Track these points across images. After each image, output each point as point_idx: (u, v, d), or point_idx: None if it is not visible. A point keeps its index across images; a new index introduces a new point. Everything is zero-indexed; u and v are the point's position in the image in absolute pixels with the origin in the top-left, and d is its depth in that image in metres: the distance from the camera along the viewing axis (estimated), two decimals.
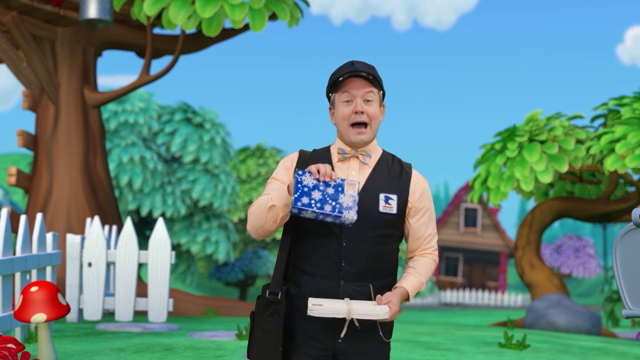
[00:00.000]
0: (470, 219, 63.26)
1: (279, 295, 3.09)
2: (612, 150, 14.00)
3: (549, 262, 48.14)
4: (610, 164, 13.75)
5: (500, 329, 12.22)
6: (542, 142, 15.24)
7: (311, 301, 2.97)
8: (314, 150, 3.27)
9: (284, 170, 3.23)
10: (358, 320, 3.11)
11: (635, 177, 15.55)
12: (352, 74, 3.12)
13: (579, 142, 15.49)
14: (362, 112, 3.12)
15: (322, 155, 3.22)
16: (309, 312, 2.94)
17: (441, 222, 63.49)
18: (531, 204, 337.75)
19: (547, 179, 14.76)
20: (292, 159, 3.25)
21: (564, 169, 14.76)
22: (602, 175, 16.74)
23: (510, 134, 15.69)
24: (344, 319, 3.11)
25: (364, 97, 3.13)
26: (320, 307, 2.94)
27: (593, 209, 15.92)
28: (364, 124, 3.15)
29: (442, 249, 63.95)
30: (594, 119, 16.22)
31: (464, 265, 63.91)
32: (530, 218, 16.22)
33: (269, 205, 3.08)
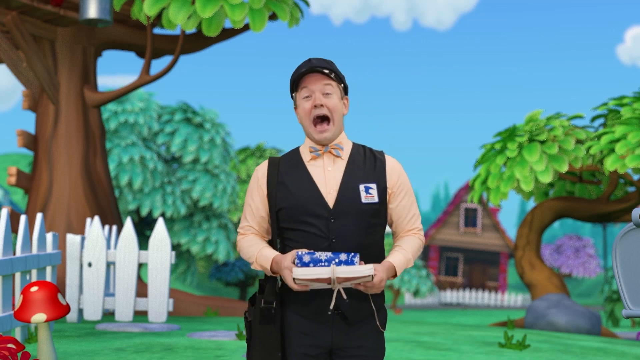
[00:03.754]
0: (470, 219, 63.25)
1: (274, 303, 3.12)
2: (612, 150, 14.00)
3: (549, 262, 48.14)
4: (610, 164, 13.75)
5: (500, 329, 12.22)
6: (542, 142, 15.24)
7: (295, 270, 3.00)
8: (283, 154, 3.28)
9: (256, 192, 3.23)
10: (346, 294, 3.12)
11: (635, 177, 15.56)
12: (309, 71, 3.14)
13: (579, 142, 15.49)
14: (321, 105, 3.14)
15: (292, 158, 3.23)
16: (294, 275, 2.96)
17: (441, 222, 63.47)
18: (531, 204, 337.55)
19: (547, 179, 14.76)
20: (262, 171, 3.24)
21: (564, 169, 14.75)
22: (602, 175, 16.74)
23: (510, 134, 15.69)
24: (338, 312, 3.14)
25: (323, 91, 3.15)
26: (303, 270, 2.96)
27: (593, 209, 15.92)
28: (326, 120, 3.17)
29: (442, 249, 63.94)
30: (594, 119, 16.22)
31: (464, 265, 63.89)
32: (530, 218, 16.22)
33: (255, 263, 3.18)
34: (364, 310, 3.17)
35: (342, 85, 3.22)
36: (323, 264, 2.98)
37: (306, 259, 2.99)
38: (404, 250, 3.21)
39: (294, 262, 3.03)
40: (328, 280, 2.98)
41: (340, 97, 3.20)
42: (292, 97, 3.24)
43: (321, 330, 3.15)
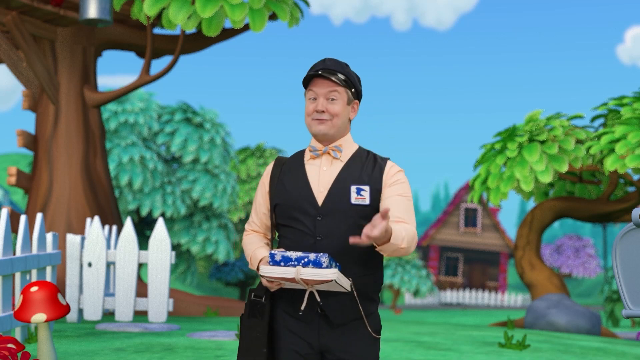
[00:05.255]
0: (470, 219, 63.24)
1: (263, 298, 3.15)
2: (612, 150, 14.00)
3: (549, 262, 48.13)
4: (610, 164, 13.75)
5: (500, 329, 12.22)
6: (542, 142, 15.24)
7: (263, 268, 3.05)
8: (292, 155, 3.32)
9: (261, 188, 3.32)
10: (333, 296, 3.13)
11: (635, 177, 15.56)
12: (317, 74, 3.16)
13: (579, 142, 15.49)
14: (323, 111, 3.16)
15: (296, 157, 3.29)
16: (260, 272, 3.02)
17: (441, 222, 63.45)
18: (531, 204, 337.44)
19: (547, 179, 14.76)
20: (268, 169, 3.33)
21: (564, 169, 14.75)
22: (602, 175, 16.74)
23: (510, 134, 15.69)
24: (322, 313, 3.14)
25: (327, 96, 3.17)
26: (270, 269, 3.01)
27: (593, 209, 15.92)
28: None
29: (442, 249, 63.93)
30: (594, 119, 16.22)
31: (464, 265, 63.88)
32: (530, 218, 16.22)
33: (250, 263, 3.25)
34: (351, 314, 3.15)
35: (353, 89, 3.21)
36: (293, 262, 3.01)
37: (277, 257, 3.03)
38: (397, 229, 3.05)
39: (267, 261, 3.09)
40: (294, 280, 3.01)
41: (346, 102, 3.20)
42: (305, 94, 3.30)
43: (308, 330, 3.16)
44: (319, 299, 3.08)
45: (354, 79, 3.22)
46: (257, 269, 3.20)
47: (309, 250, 3.12)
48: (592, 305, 64.13)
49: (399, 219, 3.14)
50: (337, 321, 3.14)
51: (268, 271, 3.01)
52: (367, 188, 3.16)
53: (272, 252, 3.03)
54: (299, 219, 3.15)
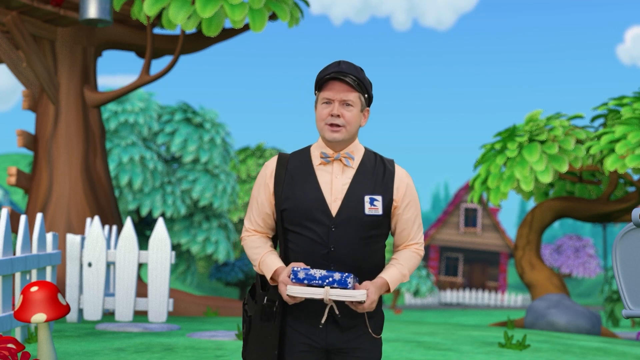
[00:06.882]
0: (470, 219, 63.24)
1: (277, 301, 3.14)
2: (612, 150, 14.00)
3: (549, 262, 48.13)
4: (610, 164, 13.75)
5: (500, 329, 12.22)
6: (542, 142, 15.24)
7: (290, 287, 3.04)
8: (294, 152, 3.25)
9: (263, 188, 3.22)
10: (339, 308, 3.15)
11: (635, 177, 15.56)
12: (334, 77, 3.11)
13: (579, 142, 15.49)
14: (338, 116, 3.11)
15: (302, 157, 3.21)
16: (288, 292, 3.00)
17: (441, 222, 63.46)
18: (531, 204, 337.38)
19: (547, 179, 14.76)
20: (271, 168, 3.22)
21: (564, 169, 14.75)
22: (602, 175, 16.74)
23: (510, 134, 15.69)
24: (333, 319, 3.17)
25: (343, 101, 3.12)
26: (297, 289, 3.01)
27: (593, 209, 15.92)
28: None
29: (442, 249, 63.94)
30: (594, 119, 16.22)
31: (464, 265, 63.88)
32: (530, 218, 16.22)
33: (257, 268, 3.19)
34: (359, 317, 3.19)
35: (366, 95, 3.17)
36: (317, 281, 3.00)
37: (301, 275, 3.01)
38: (401, 265, 3.20)
39: (289, 277, 3.04)
40: (321, 300, 3.03)
41: (360, 108, 3.16)
42: (315, 94, 3.22)
43: (316, 332, 3.17)
44: (337, 312, 3.12)
45: (368, 85, 3.18)
46: (272, 279, 3.15)
47: (322, 260, 3.11)
48: (592, 305, 64.14)
49: (412, 242, 3.26)
50: (346, 326, 3.17)
51: (297, 291, 2.99)
52: (379, 198, 3.15)
53: (295, 269, 3.01)
54: (310, 227, 3.11)
